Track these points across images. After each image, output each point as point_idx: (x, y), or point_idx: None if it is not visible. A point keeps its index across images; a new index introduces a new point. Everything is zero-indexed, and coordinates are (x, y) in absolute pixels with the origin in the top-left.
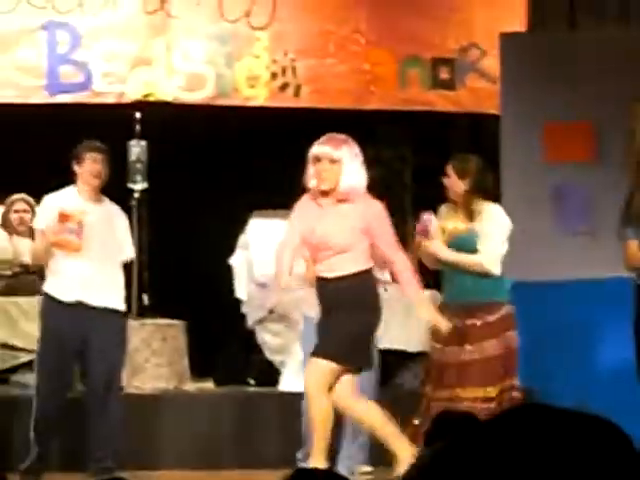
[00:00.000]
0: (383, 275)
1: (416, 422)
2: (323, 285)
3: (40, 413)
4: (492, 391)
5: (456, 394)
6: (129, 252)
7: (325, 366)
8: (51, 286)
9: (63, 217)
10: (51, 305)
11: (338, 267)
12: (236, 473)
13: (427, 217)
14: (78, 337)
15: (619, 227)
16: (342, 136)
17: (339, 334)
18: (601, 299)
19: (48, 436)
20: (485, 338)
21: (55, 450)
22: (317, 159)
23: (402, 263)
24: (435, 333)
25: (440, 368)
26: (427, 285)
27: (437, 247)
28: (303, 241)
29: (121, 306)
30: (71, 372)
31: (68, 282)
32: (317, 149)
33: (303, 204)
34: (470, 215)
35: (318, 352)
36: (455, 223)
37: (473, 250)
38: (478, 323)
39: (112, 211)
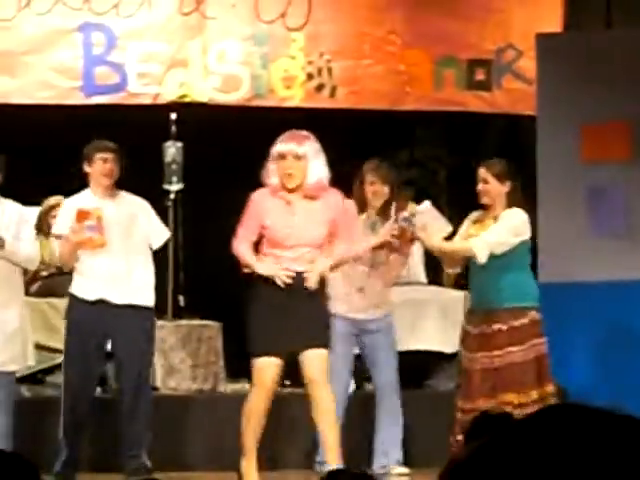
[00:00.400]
0: (416, 275)
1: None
2: (297, 279)
3: (68, 413)
4: (523, 397)
5: (486, 402)
6: (161, 236)
7: (326, 354)
8: (75, 285)
9: (80, 216)
10: (75, 304)
11: (313, 261)
12: (269, 474)
13: (403, 216)
14: (101, 335)
15: None
16: (304, 132)
17: (323, 322)
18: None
19: (77, 436)
20: (512, 344)
21: (88, 450)
22: (282, 156)
23: (345, 248)
24: (463, 340)
25: (469, 376)
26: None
27: (433, 240)
28: (269, 237)
29: (148, 302)
30: (96, 371)
31: (91, 280)
32: (281, 147)
33: (262, 200)
34: None
35: (318, 343)
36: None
37: (500, 256)
38: (504, 328)
39: (131, 203)
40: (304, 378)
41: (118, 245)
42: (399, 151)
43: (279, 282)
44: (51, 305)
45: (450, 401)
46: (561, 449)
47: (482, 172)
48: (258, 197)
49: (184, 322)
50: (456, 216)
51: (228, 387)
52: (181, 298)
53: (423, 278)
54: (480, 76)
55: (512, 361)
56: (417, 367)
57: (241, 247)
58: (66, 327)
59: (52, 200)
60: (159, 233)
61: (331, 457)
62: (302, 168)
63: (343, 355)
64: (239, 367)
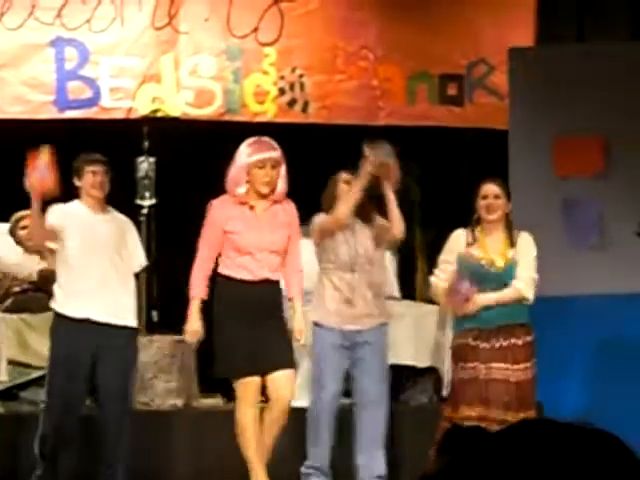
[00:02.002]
0: (390, 289)
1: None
2: (265, 287)
3: (48, 432)
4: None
5: (503, 414)
6: (141, 260)
7: (293, 375)
8: (60, 303)
9: (33, 158)
10: (61, 322)
11: (278, 268)
12: None
13: (466, 286)
14: (88, 354)
15: None
16: (265, 138)
17: (288, 340)
18: (623, 313)
19: (55, 454)
20: (528, 360)
21: (65, 466)
22: (260, 165)
23: (297, 267)
24: (460, 354)
25: (476, 385)
26: None
27: (482, 302)
28: (233, 244)
29: (133, 322)
30: (83, 390)
31: (77, 298)
32: (260, 155)
33: (224, 207)
34: (511, 239)
35: (288, 364)
36: (499, 250)
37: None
38: (519, 343)
39: (120, 221)
40: (268, 396)
41: (107, 262)
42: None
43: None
44: (24, 321)
45: (425, 415)
46: (531, 464)
47: (495, 188)
48: (219, 204)
49: (157, 337)
50: (430, 231)
51: (201, 402)
52: (154, 313)
53: (396, 292)
54: (452, 91)
55: (528, 377)
56: (391, 381)
57: (196, 277)
58: (51, 347)
59: (20, 213)
60: (140, 258)
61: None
62: (277, 175)
63: (333, 369)
64: (212, 383)
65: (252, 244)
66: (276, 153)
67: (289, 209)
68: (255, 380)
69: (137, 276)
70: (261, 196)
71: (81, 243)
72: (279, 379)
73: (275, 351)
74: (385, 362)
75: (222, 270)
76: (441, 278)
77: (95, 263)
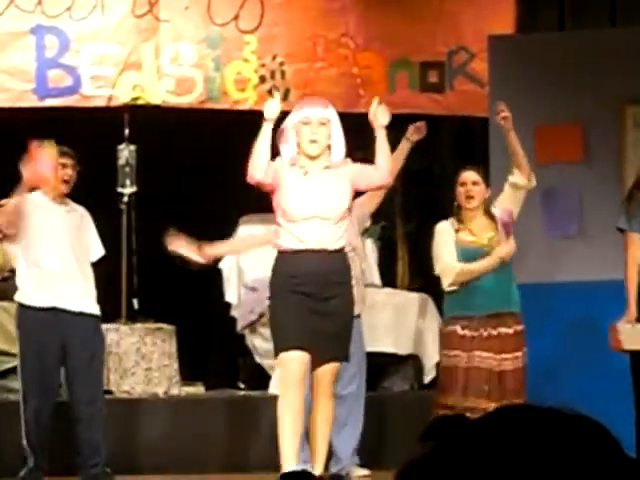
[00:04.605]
0: (371, 277)
1: None
2: (323, 257)
3: (30, 422)
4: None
5: (487, 403)
6: (98, 251)
7: (338, 367)
8: (24, 294)
9: (35, 151)
10: (27, 313)
11: (337, 238)
12: (226, 477)
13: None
14: (57, 343)
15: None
16: (320, 98)
17: (348, 330)
18: (601, 299)
19: (41, 443)
20: (519, 349)
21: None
22: (306, 120)
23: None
24: (448, 341)
25: (456, 373)
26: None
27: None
28: (283, 209)
29: (96, 310)
30: (56, 379)
31: (41, 288)
32: (307, 110)
33: (280, 167)
34: (494, 220)
35: (338, 356)
36: (486, 232)
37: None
38: (510, 332)
39: (78, 212)
40: (313, 386)
41: (66, 253)
42: (353, 153)
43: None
44: (3, 309)
45: (406, 402)
46: (513, 450)
47: (473, 175)
48: (276, 164)
49: (138, 325)
50: (412, 218)
51: (182, 390)
52: (135, 301)
53: (377, 280)
54: (433, 78)
55: (517, 366)
56: (371, 369)
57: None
58: (20, 338)
59: None
60: (97, 248)
61: (318, 466)
62: (326, 134)
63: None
64: (193, 370)
65: (299, 210)
66: (325, 110)
67: (346, 171)
68: (298, 357)
69: (115, 261)
70: (310, 158)
71: (43, 234)
72: (325, 371)
73: (330, 339)
74: (361, 353)
75: (276, 240)
76: (454, 259)
77: (56, 253)
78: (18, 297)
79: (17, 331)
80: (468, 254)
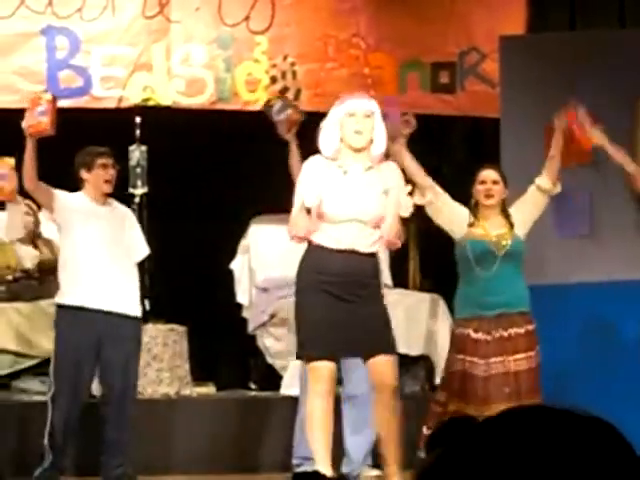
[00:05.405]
0: (384, 280)
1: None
2: (356, 259)
3: (57, 423)
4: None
5: (507, 405)
6: (143, 250)
7: (393, 360)
8: (65, 295)
9: (33, 103)
10: (65, 313)
11: (372, 242)
12: (238, 478)
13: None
14: (94, 345)
15: None
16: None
17: (386, 320)
18: (614, 300)
19: (63, 444)
20: (531, 348)
21: (71, 455)
22: (350, 113)
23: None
24: (460, 345)
25: (471, 382)
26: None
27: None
28: (320, 211)
29: (137, 311)
30: (89, 380)
31: (80, 288)
32: (352, 103)
33: (316, 167)
34: (509, 221)
35: (384, 349)
36: (500, 231)
37: (516, 260)
38: (522, 332)
39: (121, 212)
40: (372, 383)
41: (109, 253)
42: None
43: None
44: (16, 310)
45: (417, 403)
46: (524, 450)
47: (493, 174)
48: (311, 164)
49: (150, 326)
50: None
51: (194, 391)
52: (146, 302)
53: (389, 280)
54: (444, 79)
55: (531, 366)
56: None
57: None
58: (56, 337)
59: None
60: (141, 247)
61: (391, 470)
62: (370, 127)
63: None
64: (204, 371)
65: (341, 212)
66: (369, 103)
67: (387, 174)
68: (327, 366)
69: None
70: (354, 150)
71: (85, 235)
72: (380, 365)
73: (370, 335)
74: None
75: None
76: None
77: (98, 254)
78: (57, 298)
79: (54, 329)
80: (475, 246)
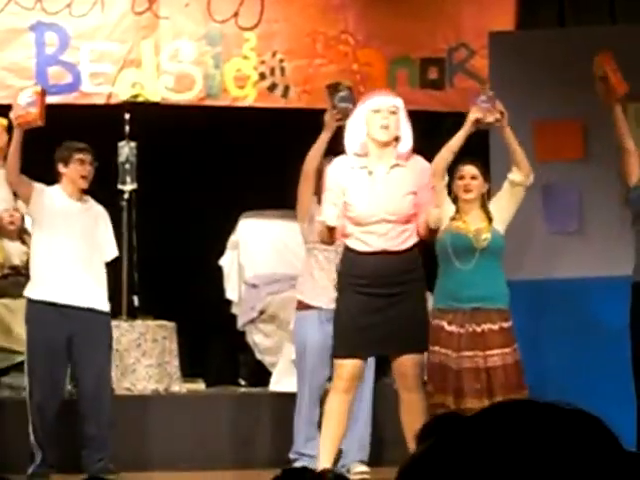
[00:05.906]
0: None
1: None
2: (388, 260)
3: (35, 418)
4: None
5: (479, 402)
6: (112, 252)
7: (419, 359)
8: (35, 289)
9: (21, 92)
10: (37, 308)
11: (404, 238)
12: (228, 474)
13: (340, 96)
14: (64, 338)
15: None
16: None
17: (420, 320)
18: (596, 296)
19: (48, 440)
20: (507, 345)
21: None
22: (376, 109)
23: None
24: (436, 336)
25: (448, 374)
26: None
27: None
28: (349, 214)
29: (106, 307)
30: (63, 374)
31: (53, 284)
32: (378, 99)
33: (340, 170)
34: (488, 215)
35: (413, 348)
36: (480, 225)
37: (494, 255)
38: (495, 328)
39: (96, 210)
40: (396, 380)
41: (81, 249)
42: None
43: None
44: (5, 306)
45: None
46: (510, 444)
47: (472, 169)
48: (335, 167)
49: (139, 322)
50: None
51: (183, 387)
52: (135, 298)
53: None
54: (433, 75)
55: (506, 362)
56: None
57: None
58: (28, 333)
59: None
60: (111, 249)
61: None
62: (396, 122)
63: (321, 348)
64: (194, 367)
65: (369, 214)
66: (394, 99)
67: (416, 169)
68: (350, 364)
69: (115, 258)
70: (381, 145)
71: (58, 229)
72: (402, 365)
73: (400, 332)
74: None
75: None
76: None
77: (68, 249)
78: (27, 291)
79: (26, 325)
80: (454, 239)
